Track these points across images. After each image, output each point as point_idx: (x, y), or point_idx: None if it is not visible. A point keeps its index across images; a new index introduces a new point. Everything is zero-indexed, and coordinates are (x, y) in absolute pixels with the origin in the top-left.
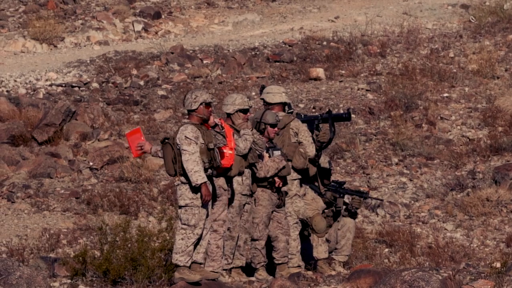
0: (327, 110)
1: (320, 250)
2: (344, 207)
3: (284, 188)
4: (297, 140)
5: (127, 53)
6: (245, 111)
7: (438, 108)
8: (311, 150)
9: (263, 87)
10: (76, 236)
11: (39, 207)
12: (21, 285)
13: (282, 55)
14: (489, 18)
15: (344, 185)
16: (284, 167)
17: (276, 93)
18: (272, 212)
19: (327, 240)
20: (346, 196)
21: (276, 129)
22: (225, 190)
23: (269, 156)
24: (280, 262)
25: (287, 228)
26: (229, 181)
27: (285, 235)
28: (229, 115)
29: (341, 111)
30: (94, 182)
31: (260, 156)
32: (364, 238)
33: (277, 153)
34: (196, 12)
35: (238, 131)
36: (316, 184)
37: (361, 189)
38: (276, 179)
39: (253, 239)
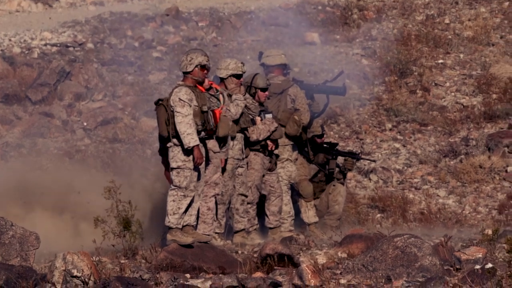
0: (324, 81)
1: (310, 215)
2: (337, 169)
3: (276, 152)
4: (293, 106)
5: (122, 14)
6: (238, 76)
7: (433, 75)
8: (306, 118)
9: (261, 53)
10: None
11: (32, 166)
12: (13, 245)
13: (278, 19)
14: None
15: (337, 147)
16: (275, 130)
17: (275, 55)
18: (263, 175)
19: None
20: (338, 158)
21: (266, 93)
22: (215, 152)
23: (261, 120)
24: (272, 226)
25: (280, 192)
26: (222, 143)
27: (278, 199)
28: (222, 80)
29: (337, 82)
30: (88, 143)
31: (253, 121)
32: (357, 203)
33: (268, 116)
34: None
35: (230, 96)
36: (306, 150)
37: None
38: (269, 142)
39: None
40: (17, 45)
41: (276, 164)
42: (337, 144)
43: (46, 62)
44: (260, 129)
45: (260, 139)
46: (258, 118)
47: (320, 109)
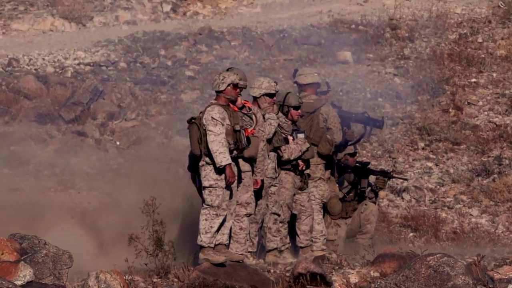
0: (363, 111)
1: (329, 232)
2: (368, 188)
3: (307, 171)
4: (325, 125)
5: (155, 33)
6: (271, 95)
7: (466, 93)
8: (338, 137)
9: (295, 71)
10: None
11: (65, 185)
12: (47, 263)
13: (310, 37)
14: None
15: (369, 166)
16: (307, 150)
17: (308, 74)
18: (294, 194)
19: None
20: (370, 176)
21: (299, 111)
22: (243, 172)
23: (293, 139)
24: (303, 245)
25: (311, 211)
26: (251, 163)
27: (308, 218)
28: (255, 99)
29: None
30: (121, 162)
31: (286, 140)
32: (389, 222)
33: (300, 135)
34: None
35: (263, 115)
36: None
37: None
38: (300, 162)
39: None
40: (51, 64)
41: (306, 183)
42: (369, 163)
43: (79, 81)
44: (292, 149)
45: (292, 158)
46: (290, 137)
47: (354, 139)
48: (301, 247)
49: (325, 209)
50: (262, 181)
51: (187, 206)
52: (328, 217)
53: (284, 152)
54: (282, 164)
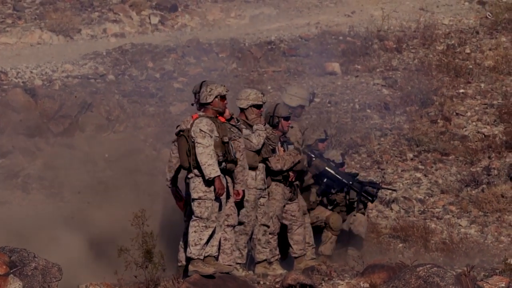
0: (359, 181)
1: (327, 247)
2: (357, 198)
3: (296, 182)
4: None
5: (143, 46)
6: (258, 106)
7: (454, 104)
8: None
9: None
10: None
11: (54, 198)
12: (36, 276)
13: (298, 49)
14: (506, 14)
15: (357, 177)
16: (299, 162)
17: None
18: (284, 205)
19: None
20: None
21: (289, 122)
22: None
23: (284, 150)
24: (297, 255)
25: (302, 220)
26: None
27: (300, 227)
28: (242, 110)
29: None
30: (109, 174)
31: (273, 151)
32: (378, 233)
33: (291, 147)
34: (213, 6)
35: (251, 126)
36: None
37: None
38: (291, 173)
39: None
40: (39, 77)
41: (296, 194)
42: (357, 174)
43: (67, 94)
44: (285, 160)
45: (284, 169)
46: (281, 148)
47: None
48: (295, 257)
49: (326, 224)
50: (243, 191)
51: (176, 219)
52: (329, 232)
53: (277, 162)
54: (273, 175)
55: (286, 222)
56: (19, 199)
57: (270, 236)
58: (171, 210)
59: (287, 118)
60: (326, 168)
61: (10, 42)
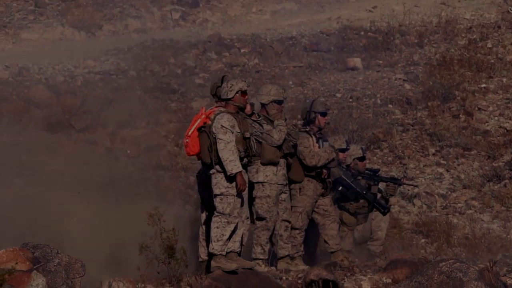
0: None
1: (346, 242)
2: (379, 194)
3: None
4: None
5: (164, 42)
6: (279, 102)
7: (476, 99)
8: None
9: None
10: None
11: (76, 194)
12: (59, 272)
13: (320, 44)
14: None
15: (379, 173)
16: (333, 159)
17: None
18: (316, 201)
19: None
20: (380, 183)
21: (326, 117)
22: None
23: (319, 147)
24: (334, 249)
25: (335, 215)
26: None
27: (334, 222)
28: (263, 105)
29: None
30: (131, 170)
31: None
32: (401, 228)
33: (326, 144)
34: (234, 1)
35: (272, 122)
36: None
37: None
38: (324, 170)
39: (293, 228)
40: (61, 73)
41: (328, 190)
42: (379, 170)
43: (89, 90)
44: (321, 156)
45: (319, 165)
46: (316, 145)
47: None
48: (332, 252)
49: (341, 221)
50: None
51: (198, 214)
52: (345, 228)
53: (312, 158)
54: (306, 170)
55: (318, 218)
56: (42, 195)
57: (297, 231)
58: (193, 205)
59: (323, 114)
60: (342, 176)
61: (32, 38)
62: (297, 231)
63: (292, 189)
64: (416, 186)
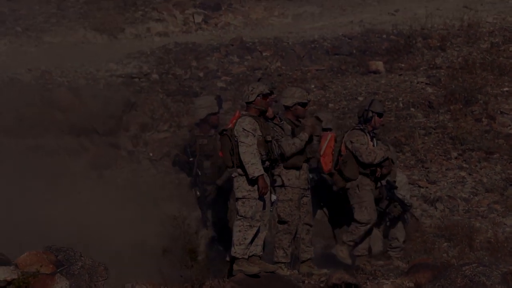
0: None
1: (362, 247)
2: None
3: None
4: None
5: (187, 45)
6: (303, 104)
7: (498, 103)
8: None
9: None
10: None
11: (99, 197)
12: (82, 275)
13: (342, 47)
14: None
15: (394, 190)
16: (387, 159)
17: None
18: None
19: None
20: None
21: (382, 119)
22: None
23: (373, 145)
24: (360, 253)
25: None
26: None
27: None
28: (287, 108)
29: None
30: (154, 173)
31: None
32: (423, 232)
33: (379, 143)
34: (256, 4)
35: (296, 125)
36: None
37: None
38: (378, 168)
39: (359, 223)
40: (83, 76)
41: (383, 194)
42: (396, 187)
43: (111, 93)
44: (377, 153)
45: (375, 163)
46: (370, 143)
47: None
48: (358, 256)
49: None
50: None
51: (221, 217)
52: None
53: (369, 155)
54: (362, 167)
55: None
56: (64, 199)
57: (364, 226)
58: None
59: (380, 115)
60: None
61: (55, 41)
62: (364, 226)
63: (349, 188)
64: (417, 218)
